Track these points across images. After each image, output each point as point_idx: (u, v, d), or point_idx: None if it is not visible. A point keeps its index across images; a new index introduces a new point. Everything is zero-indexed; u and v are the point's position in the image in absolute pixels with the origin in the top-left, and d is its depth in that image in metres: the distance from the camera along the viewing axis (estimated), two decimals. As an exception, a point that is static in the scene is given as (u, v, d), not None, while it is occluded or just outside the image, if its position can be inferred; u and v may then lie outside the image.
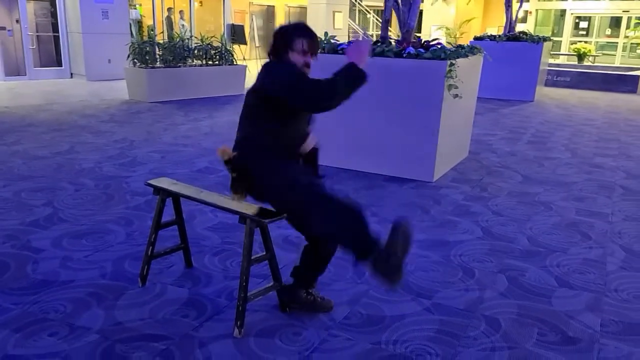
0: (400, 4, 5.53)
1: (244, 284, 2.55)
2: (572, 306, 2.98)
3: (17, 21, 11.84)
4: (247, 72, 11.33)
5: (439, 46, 5.23)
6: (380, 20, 21.73)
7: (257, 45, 15.70)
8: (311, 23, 17.72)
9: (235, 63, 11.12)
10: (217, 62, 10.77)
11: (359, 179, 5.25)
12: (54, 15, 12.41)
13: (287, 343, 2.54)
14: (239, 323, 2.57)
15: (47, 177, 4.96)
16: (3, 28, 11.71)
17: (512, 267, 3.45)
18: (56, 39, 12.54)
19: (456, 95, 5.03)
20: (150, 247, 3.01)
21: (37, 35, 12.27)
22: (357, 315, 2.80)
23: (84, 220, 3.96)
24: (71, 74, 12.65)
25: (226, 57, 10.90)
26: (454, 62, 4.96)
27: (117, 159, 5.72)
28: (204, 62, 10.65)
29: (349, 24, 18.72)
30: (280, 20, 20.23)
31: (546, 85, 13.13)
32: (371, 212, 4.35)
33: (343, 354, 2.47)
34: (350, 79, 2.38)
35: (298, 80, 2.37)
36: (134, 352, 2.41)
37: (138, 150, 6.14)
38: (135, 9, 14.48)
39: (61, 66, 12.61)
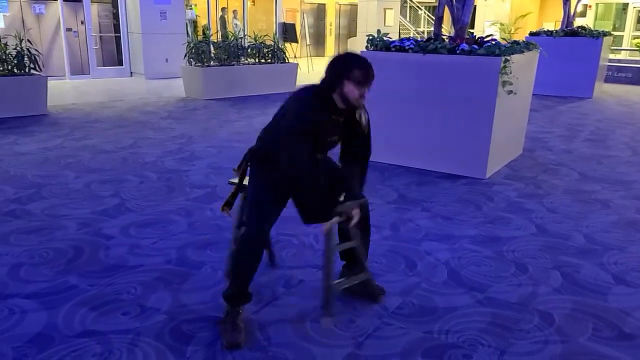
0: (454, 1, 5.52)
1: (328, 272, 2.63)
2: (629, 303, 2.94)
3: (82, 22, 12.46)
4: (299, 69, 11.51)
5: (493, 42, 5.20)
6: (432, 17, 21.37)
7: (308, 43, 15.88)
8: (362, 20, 17.74)
9: (287, 61, 11.32)
10: (269, 60, 11.00)
11: (410, 174, 5.29)
12: (115, 16, 12.99)
13: (341, 329, 2.64)
14: (327, 311, 2.66)
15: (113, 170, 5.26)
16: (69, 29, 12.35)
17: (567, 263, 3.42)
18: (117, 39, 13.11)
19: (510, 92, 4.99)
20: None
21: (100, 36, 12.88)
22: (410, 306, 2.87)
23: (149, 210, 4.20)
24: (131, 72, 13.20)
25: (278, 55, 11.11)
26: (508, 58, 4.92)
27: (177, 153, 5.99)
28: (257, 60, 10.90)
29: (400, 21, 18.62)
30: (331, 17, 20.36)
31: (606, 81, 12.67)
32: (423, 207, 4.40)
33: (396, 341, 2.55)
34: (317, 190, 2.40)
35: (293, 134, 2.36)
36: (199, 332, 2.57)
37: (196, 145, 6.39)
38: (191, 9, 14.93)
39: (122, 65, 13.18)
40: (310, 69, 14.73)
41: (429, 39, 5.62)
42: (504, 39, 8.69)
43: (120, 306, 2.79)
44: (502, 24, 18.55)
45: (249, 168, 2.69)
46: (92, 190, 4.65)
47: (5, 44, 7.94)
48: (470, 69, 5.01)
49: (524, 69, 5.48)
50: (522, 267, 3.36)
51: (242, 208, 2.85)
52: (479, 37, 5.52)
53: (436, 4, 5.84)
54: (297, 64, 11.57)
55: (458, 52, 5.09)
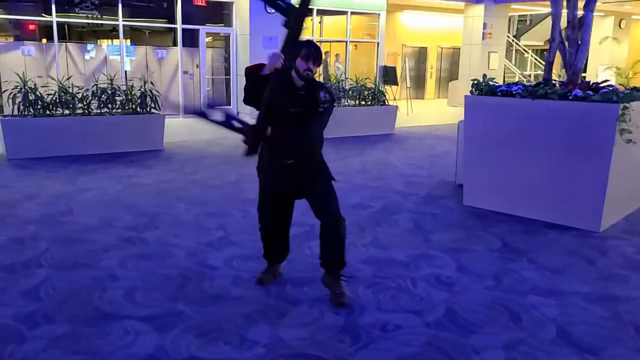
0: (567, 45, 5.33)
1: None
2: None
3: (197, 66, 13.50)
4: (398, 112, 11.57)
5: (610, 88, 4.93)
6: (539, 60, 20.61)
7: (409, 86, 15.97)
8: (464, 64, 17.52)
9: (386, 103, 11.44)
10: (369, 102, 11.18)
11: (513, 222, 5.07)
12: (227, 60, 13.93)
13: (440, 381, 2.55)
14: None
15: (219, 204, 5.56)
16: (186, 72, 13.42)
17: (698, 332, 3.07)
18: (227, 81, 14.02)
19: (629, 141, 4.67)
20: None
21: (212, 78, 13.85)
22: (514, 363, 2.72)
23: (250, 244, 4.36)
24: (237, 112, 13.97)
25: (378, 97, 11.27)
26: (627, 105, 4.63)
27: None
28: (357, 102, 11.12)
29: (505, 64, 18.22)
30: (432, 61, 20.38)
31: None
32: (528, 258, 4.19)
33: (499, 399, 2.41)
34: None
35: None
36: (296, 369, 2.60)
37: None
38: (297, 53, 15.66)
39: (230, 105, 14.02)
40: (410, 111, 14.75)
41: (538, 83, 5.44)
42: (621, 84, 8.21)
43: (222, 335, 2.90)
44: (618, 69, 17.54)
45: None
46: (200, 222, 4.93)
47: (132, 86, 8.78)
48: (584, 116, 4.78)
49: (644, 117, 5.12)
50: (643, 331, 3.07)
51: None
52: (593, 83, 5.26)
53: (543, 47, 5.68)
54: (397, 106, 11.65)
55: (570, 98, 4.87)
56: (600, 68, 18.42)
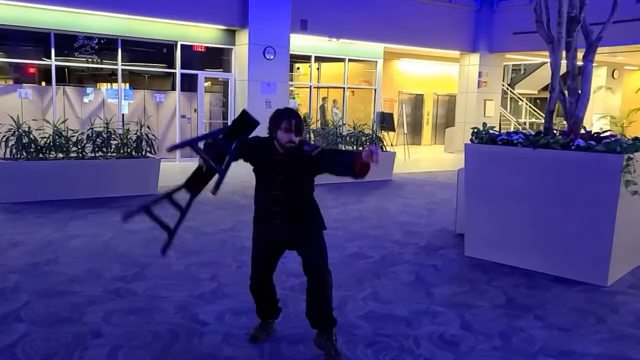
0: (567, 95, 5.30)
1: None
2: None
3: (195, 110, 13.52)
4: (395, 158, 11.52)
5: (612, 138, 4.86)
6: (534, 108, 20.85)
7: (406, 132, 16.02)
8: (460, 110, 17.70)
9: (384, 150, 11.40)
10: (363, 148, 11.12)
11: (517, 276, 4.88)
12: (225, 105, 13.97)
13: None
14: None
15: (212, 253, 5.37)
16: (183, 116, 13.42)
17: None
18: (224, 126, 14.01)
19: (635, 192, 4.55)
20: None
21: (210, 122, 13.84)
22: None
23: (244, 297, 4.13)
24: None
25: (376, 143, 11.23)
26: (632, 156, 4.54)
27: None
28: (355, 148, 11.06)
29: (500, 112, 18.38)
30: (428, 107, 20.57)
31: None
32: (535, 315, 3.99)
33: None
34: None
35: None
36: None
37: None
38: (294, 98, 15.76)
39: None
40: (407, 157, 14.73)
41: (538, 132, 5.38)
42: (621, 134, 8.19)
43: (211, 403, 2.67)
44: (612, 117, 17.71)
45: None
46: (192, 272, 4.73)
47: (128, 130, 8.71)
48: (587, 166, 4.68)
49: (648, 167, 5.02)
50: (664, 400, 2.85)
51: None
52: (595, 133, 5.20)
53: (537, 96, 5.65)
54: (395, 152, 11.60)
55: (573, 147, 4.79)
56: (595, 117, 18.59)
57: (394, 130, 15.43)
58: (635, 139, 5.16)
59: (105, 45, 12.36)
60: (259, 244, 3.34)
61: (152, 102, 13.11)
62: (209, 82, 14.08)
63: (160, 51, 13.25)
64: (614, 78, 20.35)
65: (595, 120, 18.19)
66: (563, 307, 4.18)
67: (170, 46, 12.94)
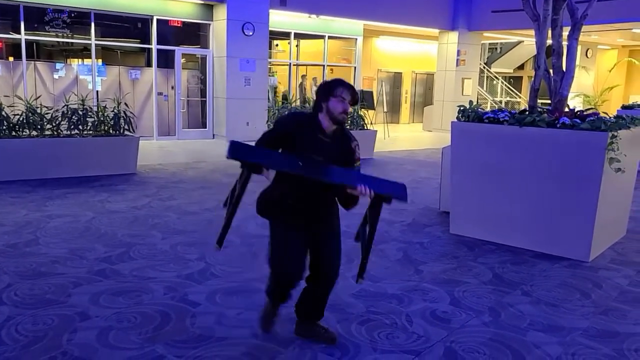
0: (552, 73, 5.32)
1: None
2: None
3: (172, 87, 13.22)
4: (376, 136, 11.51)
5: (596, 116, 4.91)
6: (509, 87, 21.03)
7: (385, 110, 16.00)
8: (438, 89, 17.75)
9: (365, 128, 11.37)
10: (348, 127, 11.08)
11: (502, 252, 4.95)
12: (203, 82, 13.70)
13: None
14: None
15: (198, 232, 5.29)
16: (160, 93, 13.12)
17: None
18: (203, 103, 13.77)
19: (619, 170, 4.62)
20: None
21: (188, 100, 13.58)
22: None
23: (234, 277, 4.12)
24: (213, 134, 13.72)
25: (357, 122, 11.19)
26: (616, 133, 4.60)
27: (259, 217, 5.95)
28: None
29: (477, 91, 18.49)
30: (407, 86, 20.56)
31: None
32: (522, 290, 4.05)
33: None
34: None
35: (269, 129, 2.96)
36: (291, 422, 2.36)
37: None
38: (273, 76, 15.55)
39: (205, 128, 13.75)
40: (387, 136, 14.74)
41: (523, 110, 5.40)
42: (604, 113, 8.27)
43: (208, 384, 2.64)
44: (586, 96, 17.98)
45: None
46: (178, 252, 4.65)
47: (105, 107, 8.47)
48: (573, 144, 4.73)
49: (630, 146, 5.11)
50: (651, 371, 2.93)
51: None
52: (579, 111, 5.25)
53: (513, 74, 5.66)
54: (376, 131, 11.59)
55: (558, 125, 4.83)
56: (569, 95, 18.86)
57: (373, 108, 15.39)
58: (618, 117, 5.23)
59: (78, 19, 11.93)
60: (289, 232, 2.88)
61: (127, 78, 12.77)
62: (185, 59, 13.76)
63: (135, 26, 12.87)
64: (587, 57, 20.63)
65: (569, 99, 18.46)
66: (549, 282, 4.25)
67: (145, 21, 12.58)
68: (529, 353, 3.10)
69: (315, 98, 2.83)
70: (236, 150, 2.69)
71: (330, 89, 2.76)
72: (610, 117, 5.07)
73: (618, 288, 4.19)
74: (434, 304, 3.74)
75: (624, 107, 10.47)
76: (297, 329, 3.18)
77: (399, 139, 15.21)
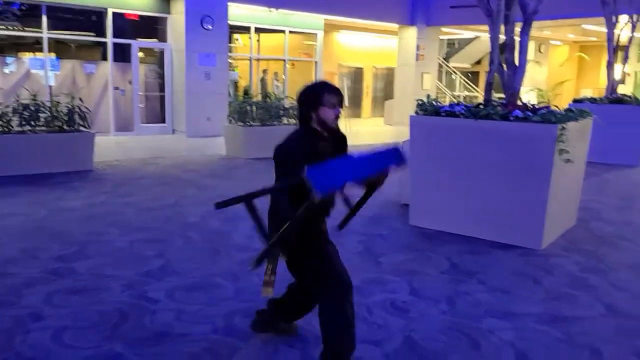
0: (506, 67, 5.47)
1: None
2: None
3: (129, 82, 12.93)
4: (338, 131, 11.55)
5: (547, 110, 5.08)
6: (467, 82, 21.43)
7: (346, 104, 16.08)
8: (399, 84, 17.93)
9: (326, 122, 11.40)
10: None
11: (460, 242, 5.07)
12: (161, 76, 13.46)
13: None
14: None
15: (157, 229, 5.21)
16: (117, 88, 12.82)
17: (648, 351, 3.12)
18: (162, 98, 13.52)
19: (568, 160, 4.81)
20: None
21: (146, 95, 13.31)
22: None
23: (194, 273, 4.08)
24: (173, 130, 13.50)
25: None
26: (565, 126, 4.78)
27: (220, 212, 5.89)
28: (298, 120, 10.99)
29: (437, 85, 18.81)
30: (367, 80, 20.72)
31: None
32: (478, 279, 4.17)
33: None
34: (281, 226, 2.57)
35: (283, 171, 2.63)
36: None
37: (240, 205, 6.32)
38: (234, 70, 15.41)
39: (164, 123, 13.52)
40: (348, 130, 14.80)
41: (479, 104, 5.54)
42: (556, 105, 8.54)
43: (168, 380, 2.62)
44: (540, 90, 18.53)
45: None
46: (137, 249, 4.58)
47: (58, 102, 8.21)
48: (525, 136, 4.88)
49: (579, 137, 5.32)
50: (597, 353, 3.08)
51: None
52: (531, 104, 5.41)
53: (470, 69, 5.81)
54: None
55: (511, 118, 4.98)
56: (523, 90, 19.42)
57: (334, 103, 15.42)
58: (568, 110, 5.43)
59: (29, 11, 11.52)
60: (330, 253, 2.79)
61: (82, 73, 12.42)
62: (143, 53, 13.48)
63: (89, 19, 12.51)
64: (540, 52, 21.28)
65: (523, 93, 19.00)
66: (503, 270, 4.39)
67: (100, 13, 12.25)
68: (484, 339, 3.20)
69: (299, 107, 2.64)
70: (324, 180, 2.19)
71: (318, 96, 2.55)
72: (560, 110, 5.26)
73: (569, 275, 4.36)
74: (394, 295, 3.81)
75: (574, 101, 10.84)
76: (254, 322, 3.11)
77: (361, 133, 15.32)
